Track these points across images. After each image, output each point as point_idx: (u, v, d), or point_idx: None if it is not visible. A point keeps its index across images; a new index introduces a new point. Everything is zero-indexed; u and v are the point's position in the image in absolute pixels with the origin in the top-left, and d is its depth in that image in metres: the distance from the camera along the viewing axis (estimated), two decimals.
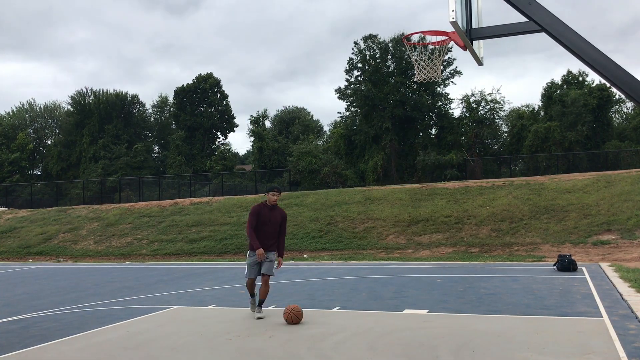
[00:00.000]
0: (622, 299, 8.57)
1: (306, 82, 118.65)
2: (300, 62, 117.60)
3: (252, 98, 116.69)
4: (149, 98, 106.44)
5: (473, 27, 5.84)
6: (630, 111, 44.84)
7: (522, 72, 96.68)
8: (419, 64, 6.32)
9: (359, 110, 42.34)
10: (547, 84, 42.60)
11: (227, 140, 61.65)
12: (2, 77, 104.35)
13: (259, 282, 8.00)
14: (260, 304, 7.93)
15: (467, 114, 41.34)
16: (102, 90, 57.28)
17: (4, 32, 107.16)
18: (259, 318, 7.78)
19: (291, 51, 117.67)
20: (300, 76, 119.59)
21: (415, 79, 6.34)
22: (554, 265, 12.90)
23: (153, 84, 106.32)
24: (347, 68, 42.84)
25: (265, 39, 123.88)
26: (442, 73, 37.56)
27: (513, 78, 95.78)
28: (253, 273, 7.89)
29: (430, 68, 6.18)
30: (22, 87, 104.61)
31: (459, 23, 5.31)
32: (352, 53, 42.76)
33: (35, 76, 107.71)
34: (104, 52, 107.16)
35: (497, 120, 41.97)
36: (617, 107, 43.53)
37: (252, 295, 8.23)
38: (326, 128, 60.92)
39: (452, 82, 41.48)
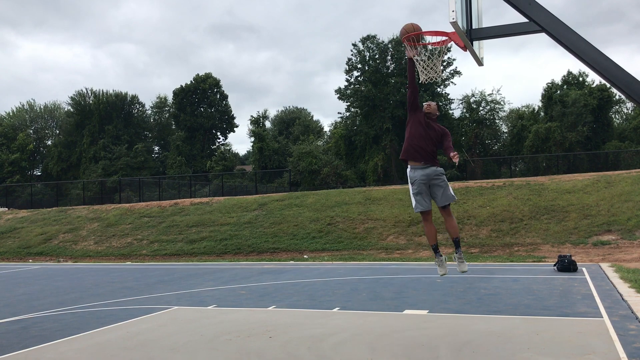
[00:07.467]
0: (622, 299, 8.57)
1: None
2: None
3: (296, 90, 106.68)
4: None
5: (473, 27, 5.84)
6: (630, 111, 44.83)
7: (523, 72, 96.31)
8: (419, 65, 6.31)
9: (359, 111, 42.37)
10: (547, 84, 42.65)
11: (227, 141, 61.72)
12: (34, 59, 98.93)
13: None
14: (458, 246, 5.95)
15: (467, 115, 41.36)
16: (103, 90, 57.37)
17: (56, 9, 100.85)
18: (464, 271, 5.99)
19: (356, 35, 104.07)
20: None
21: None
22: (554, 265, 12.89)
23: (199, 72, 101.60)
24: (347, 69, 42.88)
25: (333, 20, 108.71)
26: (442, 73, 37.65)
27: (513, 78, 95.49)
28: (424, 203, 5.76)
29: (431, 69, 6.17)
30: (69, 74, 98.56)
31: (459, 23, 5.31)
32: (351, 54, 42.83)
33: (82, 60, 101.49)
34: (162, 32, 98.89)
35: (497, 121, 42.00)
36: (617, 107, 43.55)
37: (437, 248, 6.02)
38: (326, 128, 60.99)
39: (452, 82, 41.52)
